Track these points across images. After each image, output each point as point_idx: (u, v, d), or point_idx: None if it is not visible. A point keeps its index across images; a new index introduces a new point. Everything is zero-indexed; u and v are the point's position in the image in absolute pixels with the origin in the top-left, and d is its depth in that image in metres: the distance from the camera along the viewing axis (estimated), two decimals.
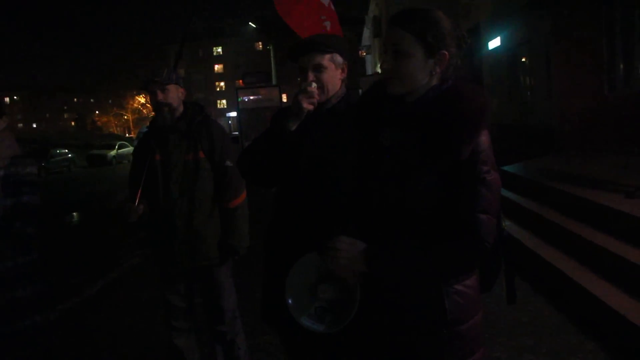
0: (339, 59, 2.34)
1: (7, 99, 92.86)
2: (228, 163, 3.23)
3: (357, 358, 1.92)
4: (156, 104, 3.17)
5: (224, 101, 78.39)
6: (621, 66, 9.57)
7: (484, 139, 1.66)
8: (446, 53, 1.69)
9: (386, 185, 1.72)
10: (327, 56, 2.29)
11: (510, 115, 15.65)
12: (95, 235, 10.25)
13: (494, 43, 16.45)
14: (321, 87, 2.26)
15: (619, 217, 5.06)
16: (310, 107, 2.20)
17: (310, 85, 2.21)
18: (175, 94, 3.21)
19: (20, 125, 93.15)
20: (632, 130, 8.53)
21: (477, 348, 1.76)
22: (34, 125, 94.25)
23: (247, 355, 3.52)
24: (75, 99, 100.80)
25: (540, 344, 3.95)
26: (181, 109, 3.26)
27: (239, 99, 16.35)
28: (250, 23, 41.10)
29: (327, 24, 3.83)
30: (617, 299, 4.06)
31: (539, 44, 13.12)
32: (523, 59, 15.28)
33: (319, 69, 2.27)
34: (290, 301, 1.90)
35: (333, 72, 2.32)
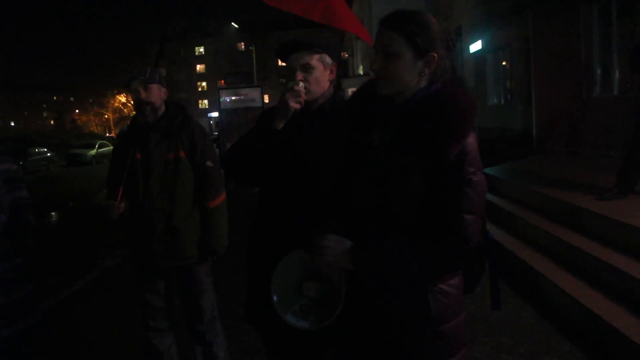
0: (327, 59, 2.34)
1: None
2: (209, 163, 3.22)
3: (341, 356, 1.93)
4: (139, 103, 3.16)
5: (206, 101, 78.03)
6: (598, 71, 9.72)
7: (471, 140, 1.68)
8: (435, 55, 1.71)
9: (374, 184, 1.74)
10: (316, 56, 2.30)
11: (490, 117, 15.80)
12: (74, 236, 10.12)
13: (475, 46, 16.60)
14: (308, 86, 2.26)
15: (595, 219, 5.14)
16: (297, 106, 2.21)
17: (297, 84, 2.21)
18: (157, 94, 3.20)
19: None
20: (608, 133, 8.67)
21: (460, 347, 1.78)
22: (12, 124, 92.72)
23: (227, 356, 3.51)
24: (54, 97, 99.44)
25: (519, 344, 3.99)
26: (163, 108, 3.26)
27: (221, 99, 16.28)
28: (232, 23, 41.00)
29: None
30: (593, 300, 4.12)
31: (519, 48, 13.28)
32: (504, 63, 15.45)
33: (307, 68, 2.28)
34: (275, 298, 1.90)
35: (321, 72, 2.32)
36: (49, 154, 34.45)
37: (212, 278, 3.44)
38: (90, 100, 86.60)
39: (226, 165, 2.41)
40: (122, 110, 78.41)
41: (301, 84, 2.22)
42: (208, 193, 3.25)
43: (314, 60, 2.29)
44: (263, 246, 2.38)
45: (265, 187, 2.42)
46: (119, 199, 3.12)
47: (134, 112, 3.33)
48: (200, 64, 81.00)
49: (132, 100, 3.23)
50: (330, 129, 2.20)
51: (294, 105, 2.19)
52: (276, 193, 2.34)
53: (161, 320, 3.34)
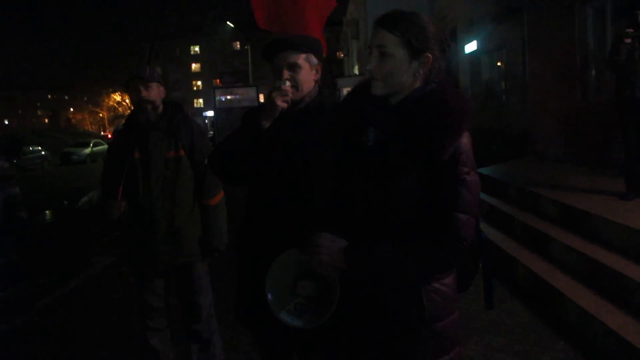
0: (313, 59, 2.35)
1: None
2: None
3: (334, 355, 1.95)
4: (139, 101, 3.15)
5: (201, 100, 77.91)
6: (593, 73, 9.75)
7: (465, 140, 1.70)
8: (430, 56, 1.72)
9: (368, 185, 1.75)
10: (303, 56, 2.31)
11: (486, 118, 15.84)
12: (69, 234, 10.08)
13: (470, 47, 16.61)
14: (295, 86, 2.27)
15: (588, 219, 5.18)
16: (284, 105, 2.21)
17: (284, 83, 2.22)
18: (157, 92, 3.21)
19: None
20: (601, 135, 8.70)
21: (453, 346, 1.79)
22: (6, 122, 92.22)
23: (222, 354, 3.52)
24: (49, 96, 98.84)
25: (512, 344, 4.02)
26: (161, 107, 3.26)
27: (216, 99, 16.27)
28: (228, 22, 40.92)
29: None
30: (587, 300, 4.15)
31: (514, 50, 13.30)
32: (499, 64, 15.47)
33: (294, 68, 2.28)
34: (270, 296, 1.91)
35: (308, 72, 2.33)
36: (43, 153, 34.33)
37: (210, 277, 3.46)
38: (85, 98, 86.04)
39: (213, 164, 2.41)
40: (117, 108, 78.07)
41: (288, 82, 2.23)
42: (208, 191, 3.28)
43: (301, 59, 2.30)
44: (253, 245, 2.39)
45: (254, 186, 2.43)
46: (119, 198, 3.13)
47: (129, 111, 3.33)
48: (195, 62, 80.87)
49: (132, 98, 3.23)
50: (318, 128, 2.21)
51: (281, 104, 2.19)
52: (265, 192, 2.35)
53: (159, 319, 3.35)
